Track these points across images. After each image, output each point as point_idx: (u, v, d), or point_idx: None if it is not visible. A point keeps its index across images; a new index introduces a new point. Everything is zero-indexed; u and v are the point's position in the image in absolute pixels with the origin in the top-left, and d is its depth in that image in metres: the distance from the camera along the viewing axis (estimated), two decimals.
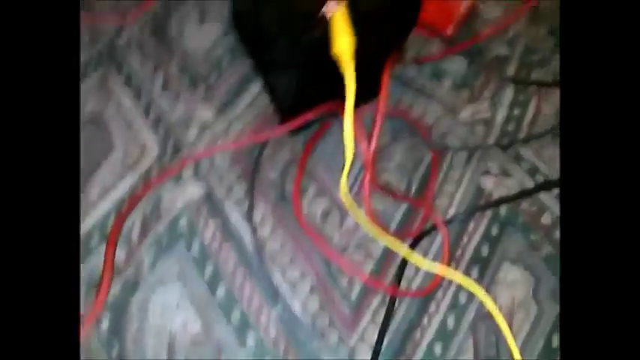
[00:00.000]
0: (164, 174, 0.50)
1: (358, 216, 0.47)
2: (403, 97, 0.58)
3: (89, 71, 0.55)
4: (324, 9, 0.38)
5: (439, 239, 0.51)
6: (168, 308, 0.46)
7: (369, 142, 0.45)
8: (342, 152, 0.51)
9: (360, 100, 0.55)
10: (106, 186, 0.50)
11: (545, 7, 0.65)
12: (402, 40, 0.51)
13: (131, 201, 0.49)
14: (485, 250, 0.51)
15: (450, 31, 0.61)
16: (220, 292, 0.47)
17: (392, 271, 0.49)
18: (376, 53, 0.49)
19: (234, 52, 0.59)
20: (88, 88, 0.55)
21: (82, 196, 0.49)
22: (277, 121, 0.55)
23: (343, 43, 0.38)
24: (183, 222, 0.49)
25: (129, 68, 0.56)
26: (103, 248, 0.47)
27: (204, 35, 0.59)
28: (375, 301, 0.48)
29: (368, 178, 0.47)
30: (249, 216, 0.49)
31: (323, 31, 0.39)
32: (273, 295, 0.47)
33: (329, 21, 0.38)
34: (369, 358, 0.45)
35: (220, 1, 0.61)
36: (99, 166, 0.51)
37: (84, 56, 0.56)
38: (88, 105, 0.54)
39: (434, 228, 0.51)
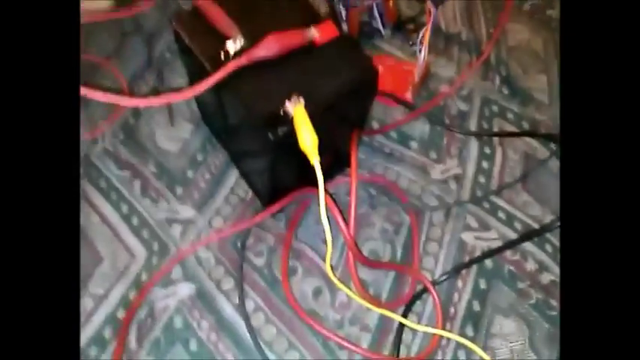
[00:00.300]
0: (154, 278, 0.51)
1: (349, 293, 0.48)
2: (375, 164, 0.60)
3: None
4: (284, 107, 0.41)
5: (431, 300, 0.52)
6: None
7: (347, 222, 0.46)
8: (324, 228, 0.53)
9: (333, 173, 0.57)
10: (98, 297, 0.51)
11: (493, 59, 0.69)
12: (364, 117, 0.54)
13: (128, 313, 0.49)
14: (476, 306, 0.52)
15: (408, 96, 0.64)
16: None
17: (390, 339, 0.50)
18: (342, 132, 0.51)
19: (207, 144, 0.61)
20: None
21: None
22: (258, 206, 0.56)
23: (306, 140, 0.40)
24: (178, 322, 0.50)
25: (106, 179, 0.58)
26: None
27: (176, 133, 0.61)
28: None
29: (352, 258, 0.48)
30: (241, 307, 0.50)
31: (287, 126, 0.41)
32: None
33: (291, 117, 0.40)
34: None
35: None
36: (89, 278, 0.52)
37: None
38: None
39: (424, 290, 0.52)
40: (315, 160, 0.41)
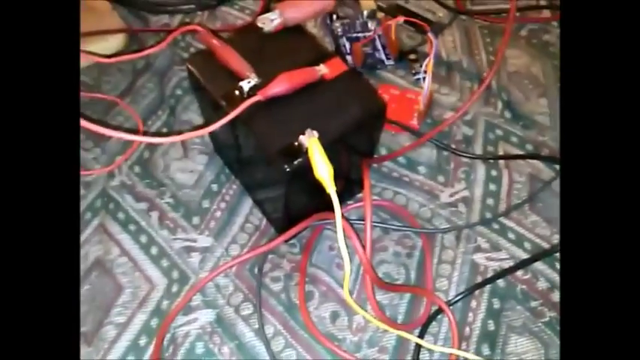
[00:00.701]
0: (177, 307, 0.52)
1: (367, 316, 0.49)
2: (385, 189, 0.62)
3: (87, 221, 0.58)
4: (299, 140, 0.43)
5: (446, 321, 0.53)
6: None
7: (364, 247, 0.47)
8: (337, 252, 0.56)
9: (344, 199, 0.59)
10: (121, 325, 0.52)
11: (494, 85, 0.72)
12: (373, 146, 0.56)
13: (157, 342, 0.50)
14: (491, 325, 0.53)
15: (414, 123, 0.66)
16: None
17: None
18: (352, 160, 0.53)
19: (221, 174, 0.63)
20: (87, 237, 0.57)
21: (98, 341, 0.51)
22: (272, 233, 0.58)
23: (322, 171, 0.42)
24: (199, 348, 0.51)
25: (124, 211, 0.59)
26: None
27: (191, 165, 0.63)
28: None
29: (369, 282, 0.49)
30: (261, 332, 0.51)
31: (302, 158, 0.43)
32: None
33: (306, 149, 0.42)
34: None
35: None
36: (112, 308, 0.53)
37: (80, 208, 0.59)
38: (90, 254, 0.56)
39: (439, 312, 0.53)
40: (331, 189, 0.42)
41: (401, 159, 0.65)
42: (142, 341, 0.51)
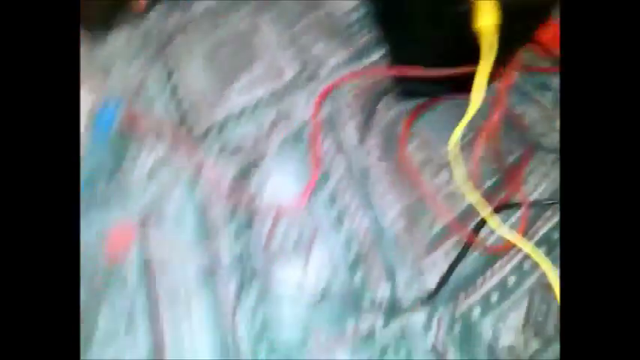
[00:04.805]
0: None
1: (457, 172, 0.53)
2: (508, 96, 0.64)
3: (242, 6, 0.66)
4: None
5: (516, 216, 0.56)
6: None
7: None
8: (447, 125, 0.56)
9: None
10: (246, 90, 0.59)
11: None
12: (532, 35, 0.57)
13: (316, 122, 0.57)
14: (555, 235, 0.55)
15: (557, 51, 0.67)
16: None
17: (470, 226, 0.54)
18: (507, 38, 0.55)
19: (366, 18, 0.67)
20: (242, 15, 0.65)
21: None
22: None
23: (488, 19, 0.43)
24: (304, 134, 0.57)
25: (280, 8, 0.66)
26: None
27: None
28: (449, 243, 0.53)
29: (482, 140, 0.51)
30: (362, 140, 0.56)
31: (466, 6, 0.43)
32: (368, 205, 0.54)
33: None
34: (435, 285, 0.51)
35: None
36: (239, 76, 0.60)
37: None
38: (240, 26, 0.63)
39: (516, 205, 0.56)
40: (491, 35, 0.43)
41: (536, 78, 0.66)
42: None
